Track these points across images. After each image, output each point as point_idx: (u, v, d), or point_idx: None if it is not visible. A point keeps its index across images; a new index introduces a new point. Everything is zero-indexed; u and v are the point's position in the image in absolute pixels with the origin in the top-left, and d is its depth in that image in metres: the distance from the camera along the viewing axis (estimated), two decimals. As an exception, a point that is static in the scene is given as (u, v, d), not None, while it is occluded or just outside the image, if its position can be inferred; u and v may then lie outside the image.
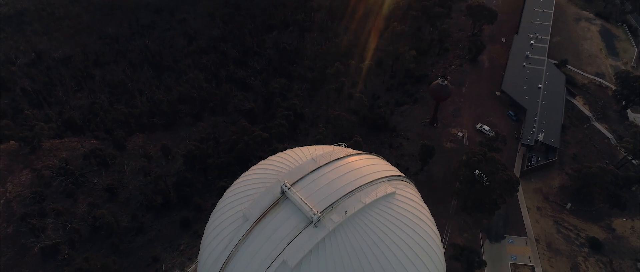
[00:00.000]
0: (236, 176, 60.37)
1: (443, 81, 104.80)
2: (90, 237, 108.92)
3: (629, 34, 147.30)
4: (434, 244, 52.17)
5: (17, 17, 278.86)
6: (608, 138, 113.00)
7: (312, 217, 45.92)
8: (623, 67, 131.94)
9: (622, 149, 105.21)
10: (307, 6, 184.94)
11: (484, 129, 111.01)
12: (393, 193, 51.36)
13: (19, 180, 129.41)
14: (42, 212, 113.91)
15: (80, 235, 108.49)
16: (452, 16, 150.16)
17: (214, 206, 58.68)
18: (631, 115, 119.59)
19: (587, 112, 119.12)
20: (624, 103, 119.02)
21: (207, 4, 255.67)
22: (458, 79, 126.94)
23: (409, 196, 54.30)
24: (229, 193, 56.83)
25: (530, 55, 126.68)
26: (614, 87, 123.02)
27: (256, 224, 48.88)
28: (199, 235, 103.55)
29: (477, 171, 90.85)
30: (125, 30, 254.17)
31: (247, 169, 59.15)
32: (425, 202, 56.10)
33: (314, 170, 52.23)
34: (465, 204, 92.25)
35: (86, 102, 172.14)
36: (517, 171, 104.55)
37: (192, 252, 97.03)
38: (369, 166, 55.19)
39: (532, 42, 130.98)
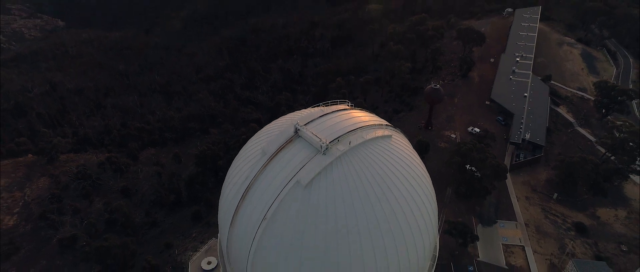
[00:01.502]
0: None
1: (436, 85, 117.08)
2: (106, 230, 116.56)
3: (608, 56, 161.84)
4: (425, 179, 61.66)
5: (32, 56, 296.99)
6: (591, 141, 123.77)
7: (321, 147, 55.74)
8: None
9: (601, 147, 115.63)
10: (310, 34, 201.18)
11: (474, 131, 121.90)
12: (390, 136, 61.50)
13: (37, 185, 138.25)
14: (60, 211, 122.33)
15: (97, 229, 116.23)
16: (444, 41, 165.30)
17: None
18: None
19: (571, 119, 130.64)
20: (604, 111, 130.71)
21: (214, 41, 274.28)
22: (450, 91, 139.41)
23: (402, 141, 64.43)
24: (248, 142, 66.90)
25: (516, 70, 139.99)
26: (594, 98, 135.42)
27: (273, 157, 58.30)
28: (210, 225, 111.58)
29: (468, 166, 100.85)
30: (135, 67, 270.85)
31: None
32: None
33: (323, 115, 62.80)
34: (459, 190, 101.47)
35: (100, 124, 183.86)
36: (506, 166, 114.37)
37: (204, 237, 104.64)
38: (369, 116, 65.74)
39: (517, 59, 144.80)
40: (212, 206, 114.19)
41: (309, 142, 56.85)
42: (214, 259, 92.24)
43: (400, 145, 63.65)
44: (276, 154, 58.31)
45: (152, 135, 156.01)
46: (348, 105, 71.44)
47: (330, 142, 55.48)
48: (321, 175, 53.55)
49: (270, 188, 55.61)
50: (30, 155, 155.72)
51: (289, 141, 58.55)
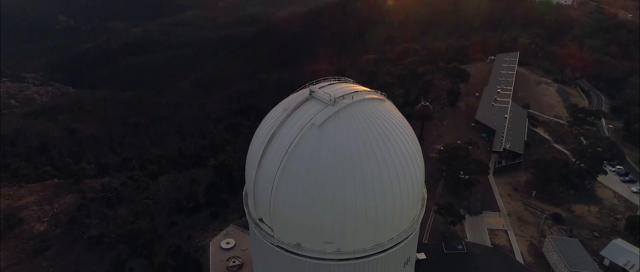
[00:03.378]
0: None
1: (425, 103, 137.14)
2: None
3: (582, 92, 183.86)
4: (414, 139, 79.32)
5: (50, 110, 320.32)
6: (565, 154, 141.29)
7: (330, 100, 74.11)
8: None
9: (571, 154, 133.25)
10: (311, 81, 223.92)
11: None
12: (384, 100, 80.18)
13: (64, 200, 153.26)
14: (87, 216, 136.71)
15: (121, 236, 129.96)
16: (434, 81, 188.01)
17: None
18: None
19: (547, 137, 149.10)
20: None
21: (222, 93, 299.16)
22: (440, 116, 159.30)
23: (393, 106, 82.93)
24: (271, 110, 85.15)
25: (498, 99, 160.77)
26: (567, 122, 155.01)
27: (292, 111, 76.55)
28: (227, 221, 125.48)
29: (461, 172, 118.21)
30: (147, 120, 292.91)
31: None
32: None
33: (331, 84, 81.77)
34: (448, 183, 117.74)
35: (118, 158, 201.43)
36: (490, 171, 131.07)
37: (222, 228, 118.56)
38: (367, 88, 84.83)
39: (499, 90, 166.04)
40: (228, 206, 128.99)
41: (321, 100, 75.25)
42: (232, 240, 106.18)
43: (392, 108, 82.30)
44: (295, 109, 76.56)
45: (170, 161, 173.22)
46: (351, 81, 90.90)
47: (337, 97, 74.08)
48: (331, 118, 71.08)
49: (290, 132, 73.03)
50: (55, 180, 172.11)
51: (305, 100, 77.07)
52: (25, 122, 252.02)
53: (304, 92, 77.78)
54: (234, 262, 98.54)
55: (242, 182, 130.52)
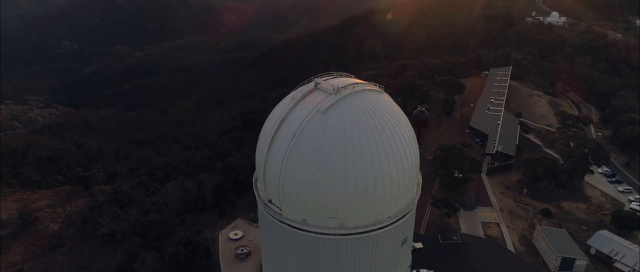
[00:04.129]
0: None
1: (422, 108, 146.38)
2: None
3: (572, 104, 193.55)
4: (409, 126, 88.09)
5: (57, 127, 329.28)
6: (556, 157, 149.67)
7: (333, 89, 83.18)
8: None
9: (559, 156, 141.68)
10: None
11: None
12: (381, 91, 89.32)
13: (76, 204, 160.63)
14: (100, 216, 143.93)
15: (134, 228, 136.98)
16: (430, 93, 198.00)
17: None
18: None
19: (538, 142, 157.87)
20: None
21: (225, 111, 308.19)
22: (436, 124, 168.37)
23: (388, 97, 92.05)
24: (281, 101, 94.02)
25: (491, 107, 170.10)
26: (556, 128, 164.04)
27: (299, 101, 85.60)
28: (234, 218, 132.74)
29: (455, 171, 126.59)
30: (151, 135, 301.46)
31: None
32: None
33: (334, 77, 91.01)
34: (444, 181, 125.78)
35: (125, 168, 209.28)
36: (484, 171, 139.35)
37: (230, 223, 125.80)
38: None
39: (492, 99, 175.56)
40: (235, 206, 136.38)
41: (325, 90, 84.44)
42: (240, 232, 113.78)
43: (387, 98, 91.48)
44: (301, 99, 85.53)
45: (177, 169, 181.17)
46: (352, 76, 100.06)
47: (340, 88, 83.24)
48: (334, 105, 80.00)
49: (297, 118, 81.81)
50: (67, 186, 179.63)
51: (311, 91, 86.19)
52: (34, 137, 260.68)
53: (309, 85, 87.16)
54: (242, 250, 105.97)
55: (248, 184, 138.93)
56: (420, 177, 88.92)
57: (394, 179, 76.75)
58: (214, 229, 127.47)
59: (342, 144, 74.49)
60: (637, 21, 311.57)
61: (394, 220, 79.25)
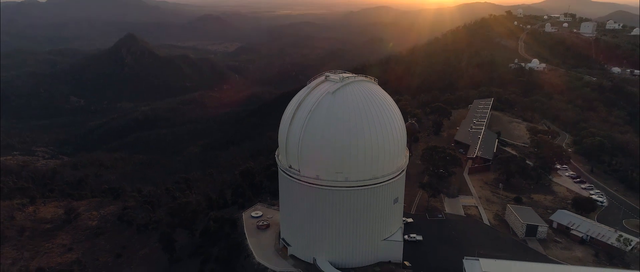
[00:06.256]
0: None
1: (412, 121, 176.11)
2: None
3: (548, 126, 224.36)
4: (396, 107, 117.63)
5: (72, 165, 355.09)
6: (530, 164, 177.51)
7: (340, 79, 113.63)
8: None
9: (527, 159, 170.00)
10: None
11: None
12: (375, 82, 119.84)
13: (109, 209, 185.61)
14: (133, 213, 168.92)
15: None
16: (422, 118, 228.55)
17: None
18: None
19: (514, 154, 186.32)
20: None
21: (233, 150, 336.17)
22: (426, 140, 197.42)
23: (381, 89, 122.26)
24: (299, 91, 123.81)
25: (473, 127, 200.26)
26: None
27: (313, 89, 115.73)
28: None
29: (441, 170, 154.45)
30: (163, 174, 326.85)
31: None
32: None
33: (339, 73, 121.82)
34: (431, 175, 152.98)
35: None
36: (465, 171, 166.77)
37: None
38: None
39: (474, 121, 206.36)
40: (253, 202, 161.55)
41: (333, 80, 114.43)
42: (259, 212, 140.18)
43: (380, 88, 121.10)
44: (315, 87, 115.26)
45: (197, 182, 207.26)
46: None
47: (345, 78, 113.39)
48: (340, 89, 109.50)
49: (312, 100, 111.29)
50: (94, 198, 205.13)
51: (322, 81, 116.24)
52: (56, 163, 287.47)
53: (321, 78, 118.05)
54: (263, 223, 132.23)
55: (262, 187, 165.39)
56: (407, 152, 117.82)
57: (386, 144, 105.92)
58: (236, 215, 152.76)
59: (346, 117, 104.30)
60: (613, 69, 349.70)
61: (387, 179, 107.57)
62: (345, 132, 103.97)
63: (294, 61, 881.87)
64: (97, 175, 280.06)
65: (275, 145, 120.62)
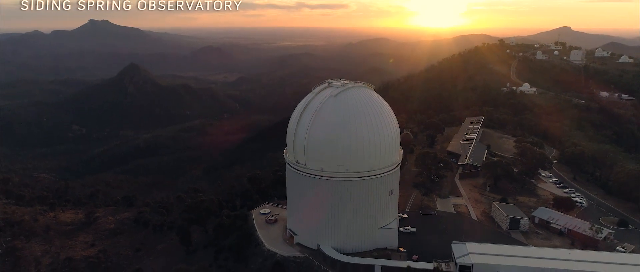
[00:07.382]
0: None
1: (406, 131, 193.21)
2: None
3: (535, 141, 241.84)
4: (389, 109, 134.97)
5: (80, 188, 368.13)
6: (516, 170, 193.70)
7: (341, 84, 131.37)
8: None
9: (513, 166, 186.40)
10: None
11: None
12: (373, 89, 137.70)
13: (124, 214, 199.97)
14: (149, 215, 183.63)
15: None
16: (417, 134, 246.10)
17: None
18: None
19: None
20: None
21: (237, 170, 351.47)
22: (421, 152, 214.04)
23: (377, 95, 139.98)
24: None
25: (465, 140, 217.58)
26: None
27: (318, 93, 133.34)
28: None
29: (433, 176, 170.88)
30: (168, 195, 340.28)
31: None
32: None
33: (340, 80, 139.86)
34: (424, 178, 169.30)
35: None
36: (456, 177, 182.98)
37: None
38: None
39: (465, 135, 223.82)
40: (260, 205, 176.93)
41: (335, 86, 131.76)
42: (268, 209, 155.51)
43: (376, 94, 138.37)
44: (319, 92, 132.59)
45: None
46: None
47: (345, 83, 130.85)
48: (342, 92, 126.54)
49: (317, 103, 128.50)
50: (109, 207, 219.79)
51: (325, 87, 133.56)
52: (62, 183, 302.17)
53: (324, 85, 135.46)
54: (271, 218, 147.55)
55: (269, 192, 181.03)
56: (400, 150, 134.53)
57: (381, 140, 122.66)
58: (247, 213, 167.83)
59: (347, 117, 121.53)
60: (601, 93, 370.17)
61: (383, 171, 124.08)
62: (346, 130, 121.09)
63: (294, 90, 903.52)
64: (106, 192, 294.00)
65: (278, 162, 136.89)
